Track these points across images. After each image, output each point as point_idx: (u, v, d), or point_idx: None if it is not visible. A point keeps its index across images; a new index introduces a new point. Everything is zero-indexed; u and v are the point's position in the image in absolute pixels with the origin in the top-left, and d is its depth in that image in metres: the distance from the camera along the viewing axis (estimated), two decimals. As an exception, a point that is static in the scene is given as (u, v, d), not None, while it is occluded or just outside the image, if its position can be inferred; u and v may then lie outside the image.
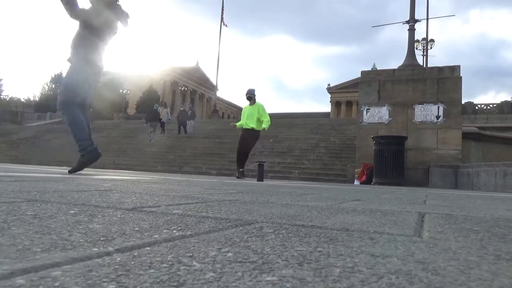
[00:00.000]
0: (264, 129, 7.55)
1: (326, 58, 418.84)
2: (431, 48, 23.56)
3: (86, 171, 4.30)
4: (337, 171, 10.76)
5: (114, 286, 0.44)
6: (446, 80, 8.67)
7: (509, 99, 28.99)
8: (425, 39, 22.74)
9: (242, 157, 7.73)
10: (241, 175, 7.52)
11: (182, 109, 20.56)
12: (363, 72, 9.79)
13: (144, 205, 1.37)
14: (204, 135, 17.22)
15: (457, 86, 8.59)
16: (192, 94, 59.66)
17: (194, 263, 0.57)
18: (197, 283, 0.47)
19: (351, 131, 14.33)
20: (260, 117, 7.53)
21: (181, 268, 0.54)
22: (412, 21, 10.10)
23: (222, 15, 33.39)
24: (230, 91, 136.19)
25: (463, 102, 11.57)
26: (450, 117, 8.50)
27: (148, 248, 0.66)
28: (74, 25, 4.05)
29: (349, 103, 56.98)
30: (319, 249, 0.73)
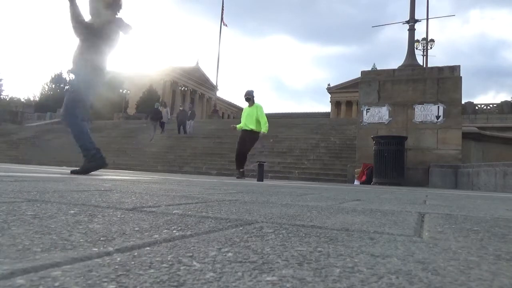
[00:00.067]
0: (263, 133, 7.59)
1: (326, 58, 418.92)
2: (431, 48, 23.57)
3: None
4: (337, 171, 10.76)
5: (114, 286, 0.44)
6: (446, 80, 8.67)
7: (509, 99, 29.00)
8: (425, 39, 22.75)
9: (241, 158, 7.74)
10: (241, 176, 7.52)
11: (181, 108, 20.54)
12: (363, 72, 9.79)
13: (144, 205, 1.37)
14: (204, 135, 17.22)
15: (457, 86, 8.59)
16: (192, 94, 59.66)
17: (194, 263, 0.57)
18: (197, 283, 0.47)
19: (351, 131, 14.32)
20: (258, 118, 7.56)
21: (181, 268, 0.54)
22: (412, 21, 10.10)
23: (222, 15, 33.40)
24: (230, 91, 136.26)
25: (463, 102, 11.57)
26: (450, 117, 8.50)
27: (148, 248, 0.66)
28: (71, 26, 4.05)
29: (349, 103, 56.98)
30: (319, 249, 0.73)
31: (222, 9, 33.50)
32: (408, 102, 8.84)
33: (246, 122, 7.66)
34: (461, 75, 8.67)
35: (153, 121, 17.78)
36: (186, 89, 58.21)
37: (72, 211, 1.08)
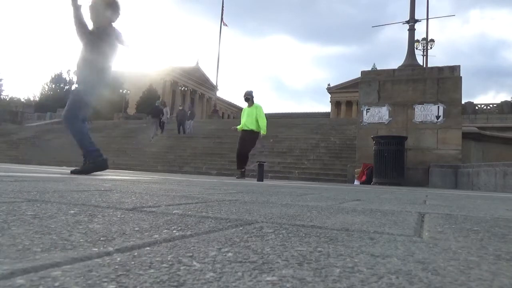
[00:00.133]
0: (262, 134, 7.60)
1: (326, 58, 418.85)
2: (431, 48, 23.57)
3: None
4: (337, 171, 10.76)
5: (114, 286, 0.44)
6: (446, 80, 8.67)
7: (509, 99, 29.00)
8: (425, 39, 22.74)
9: (241, 158, 7.74)
10: (241, 176, 7.53)
11: (181, 108, 20.54)
12: (363, 72, 9.79)
13: (144, 205, 1.37)
14: (204, 135, 17.22)
15: (457, 86, 8.59)
16: (192, 94, 59.66)
17: (194, 263, 0.57)
18: (197, 283, 0.47)
19: (351, 131, 14.32)
20: (258, 118, 7.58)
21: (181, 268, 0.54)
22: (412, 21, 10.10)
23: (222, 15, 33.40)
24: (230, 91, 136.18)
25: (463, 102, 11.57)
26: (450, 117, 8.50)
27: (148, 248, 0.66)
28: (74, 29, 4.06)
29: (349, 103, 56.97)
30: (319, 249, 0.73)
31: (222, 9, 33.52)
32: (408, 102, 8.84)
33: (245, 123, 7.68)
34: (461, 75, 8.67)
35: (154, 119, 17.88)
36: (186, 89, 58.20)
37: (72, 211, 1.08)
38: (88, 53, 4.05)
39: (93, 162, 3.98)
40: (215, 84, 35.39)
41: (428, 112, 8.65)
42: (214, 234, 0.84)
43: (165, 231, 0.85)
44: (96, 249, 0.62)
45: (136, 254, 0.61)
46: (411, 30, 10.11)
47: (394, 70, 9.45)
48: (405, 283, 0.51)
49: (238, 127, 7.88)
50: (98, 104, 4.17)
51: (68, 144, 17.48)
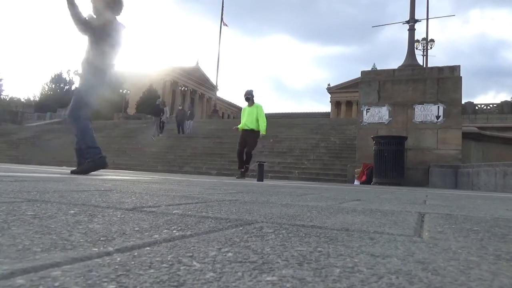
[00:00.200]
0: (261, 134, 7.62)
1: (326, 58, 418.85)
2: (431, 48, 23.56)
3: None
4: (337, 171, 10.76)
5: (114, 286, 0.44)
6: (446, 80, 8.66)
7: (509, 99, 29.00)
8: (425, 39, 22.74)
9: (242, 157, 7.75)
10: (241, 176, 7.53)
11: (180, 108, 20.55)
12: (363, 72, 9.79)
13: (144, 205, 1.37)
14: (204, 135, 17.22)
15: (457, 86, 8.59)
16: (192, 94, 59.66)
17: (194, 263, 0.57)
18: (197, 283, 0.47)
19: (351, 131, 14.32)
20: (258, 117, 7.60)
21: (181, 268, 0.54)
22: (412, 21, 10.10)
23: (222, 15, 33.39)
24: (230, 91, 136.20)
25: (463, 102, 11.56)
26: (450, 117, 8.50)
27: (148, 248, 0.66)
28: (74, 27, 4.06)
29: (349, 103, 56.97)
30: (319, 249, 0.73)
31: (222, 9, 33.51)
32: (408, 102, 8.84)
33: (246, 122, 7.68)
34: (461, 75, 8.67)
35: (156, 117, 17.97)
36: (186, 89, 58.20)
37: (72, 211, 1.08)
38: (89, 52, 4.07)
39: (92, 161, 3.99)
40: (215, 84, 35.38)
41: (428, 112, 8.65)
42: (214, 234, 0.84)
43: (165, 231, 0.85)
44: (96, 249, 0.62)
45: (136, 254, 0.61)
46: (411, 30, 10.11)
47: (394, 70, 9.45)
48: (405, 283, 0.51)
49: (239, 126, 7.89)
50: (98, 104, 4.17)
51: (68, 144, 17.49)
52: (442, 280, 0.54)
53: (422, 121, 8.68)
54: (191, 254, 0.63)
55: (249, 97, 7.77)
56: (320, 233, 0.93)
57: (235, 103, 68.77)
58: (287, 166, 11.83)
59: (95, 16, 4.08)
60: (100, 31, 4.04)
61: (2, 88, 44.63)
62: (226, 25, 33.66)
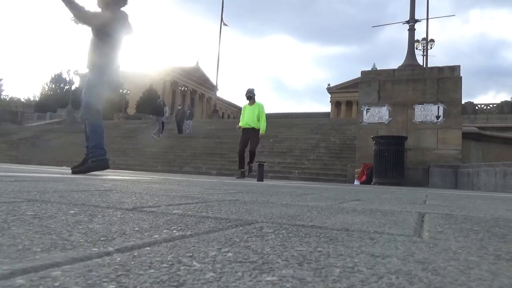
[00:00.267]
0: (261, 134, 7.63)
1: (326, 58, 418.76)
2: (431, 48, 23.57)
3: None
4: (337, 171, 10.76)
5: (114, 286, 0.44)
6: (446, 80, 8.67)
7: (509, 99, 29.01)
8: (425, 39, 22.74)
9: (243, 157, 7.76)
10: (241, 176, 7.53)
11: (180, 108, 20.55)
12: (363, 72, 9.79)
13: (144, 205, 1.37)
14: (204, 135, 17.22)
15: (457, 86, 8.59)
16: (192, 94, 59.67)
17: (194, 263, 0.57)
18: (197, 283, 0.47)
19: (351, 131, 14.32)
20: (259, 117, 7.61)
21: (181, 268, 0.54)
22: (412, 21, 10.10)
23: (222, 15, 33.39)
24: (230, 91, 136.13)
25: (463, 102, 11.56)
26: (450, 117, 8.50)
27: (148, 248, 0.66)
28: (75, 27, 4.07)
29: (349, 103, 56.97)
30: (319, 249, 0.73)
31: (222, 9, 33.51)
32: (408, 102, 8.84)
33: (247, 121, 7.68)
34: (461, 75, 8.67)
35: (157, 116, 18.06)
36: (186, 89, 58.21)
37: (72, 211, 1.08)
38: (91, 53, 4.09)
39: (94, 161, 4.00)
40: (215, 84, 35.37)
41: (428, 112, 8.65)
42: (214, 234, 0.84)
43: (165, 231, 0.85)
44: (96, 249, 0.62)
45: (136, 254, 0.61)
46: (411, 30, 10.11)
47: (394, 70, 9.45)
48: (405, 283, 0.51)
49: (241, 124, 7.86)
50: (99, 104, 4.18)
51: (68, 144, 17.49)
52: (442, 280, 0.54)
53: (422, 121, 8.69)
54: (191, 254, 0.63)
55: (250, 95, 7.78)
56: (320, 233, 0.93)
57: (235, 103, 68.79)
58: (287, 166, 11.83)
59: (95, 17, 4.08)
60: (100, 32, 4.05)
61: (2, 88, 44.67)
62: (226, 25, 33.67)
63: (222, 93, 79.35)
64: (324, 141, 14.09)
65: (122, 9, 4.22)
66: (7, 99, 43.90)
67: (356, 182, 8.70)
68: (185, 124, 18.66)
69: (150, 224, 0.93)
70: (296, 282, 0.50)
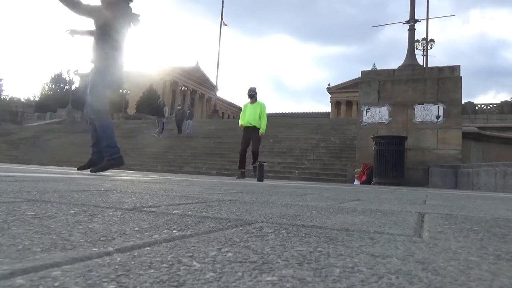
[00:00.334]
0: (261, 133, 7.64)
1: (326, 58, 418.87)
2: (431, 48, 23.57)
3: (86, 171, 4.34)
4: (337, 171, 10.76)
5: (114, 286, 0.44)
6: (446, 80, 8.66)
7: (509, 99, 29.01)
8: (425, 39, 22.75)
9: (244, 157, 7.76)
10: (241, 176, 7.53)
11: (179, 108, 20.57)
12: (363, 72, 9.79)
13: (144, 205, 1.37)
14: (204, 135, 17.22)
15: (457, 86, 8.59)
16: (192, 94, 59.67)
17: (194, 263, 0.57)
18: (197, 283, 0.47)
19: (351, 131, 14.32)
20: (261, 116, 7.63)
21: (181, 268, 0.54)
22: (412, 21, 10.10)
23: (222, 15, 33.39)
24: (230, 91, 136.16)
25: (463, 102, 11.56)
26: (450, 117, 8.50)
27: (148, 248, 0.66)
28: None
29: (349, 103, 56.97)
30: (319, 249, 0.73)
31: (222, 9, 33.50)
32: (408, 102, 8.84)
33: (248, 119, 7.68)
34: (461, 75, 8.67)
35: (158, 117, 18.16)
36: (186, 89, 58.21)
37: (72, 211, 1.08)
38: (93, 53, 4.10)
39: (110, 159, 4.04)
40: (215, 84, 35.37)
41: (428, 112, 8.65)
42: (214, 234, 0.84)
43: (165, 231, 0.85)
44: (96, 249, 0.62)
45: (136, 254, 0.61)
46: (411, 30, 10.10)
47: (394, 70, 9.45)
48: (405, 283, 0.51)
49: (242, 123, 7.84)
50: (104, 104, 4.21)
51: (68, 144, 17.48)
52: (442, 280, 0.54)
53: (422, 121, 8.69)
54: (191, 254, 0.63)
55: (253, 94, 7.79)
56: (320, 233, 0.93)
57: (235, 103, 68.78)
58: (287, 166, 11.83)
59: (96, 18, 4.08)
60: (100, 31, 4.05)
61: (2, 88, 44.66)
62: (226, 24, 33.68)
63: (222, 93, 79.34)
64: (324, 141, 14.09)
65: (125, 6, 4.20)
66: (7, 99, 43.89)
67: (356, 182, 8.70)
68: (185, 124, 18.69)
69: (150, 224, 0.93)
70: (296, 282, 0.50)
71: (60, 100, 38.15)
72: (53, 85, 45.32)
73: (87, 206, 1.23)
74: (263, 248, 0.71)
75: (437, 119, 8.56)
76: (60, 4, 3.88)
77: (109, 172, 4.27)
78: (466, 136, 8.97)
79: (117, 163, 4.16)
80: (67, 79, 45.09)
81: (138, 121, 26.29)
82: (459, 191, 5.54)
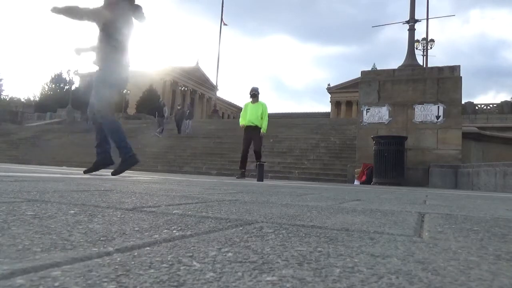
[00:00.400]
0: (262, 133, 7.65)
1: (326, 58, 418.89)
2: (431, 48, 23.56)
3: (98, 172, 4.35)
4: (337, 171, 10.76)
5: (114, 286, 0.44)
6: (446, 80, 8.66)
7: (509, 99, 29.02)
8: (425, 39, 22.74)
9: (246, 157, 7.76)
10: (241, 176, 7.53)
11: (179, 107, 20.59)
12: (363, 72, 9.79)
13: (144, 205, 1.37)
14: (204, 135, 17.22)
15: (457, 86, 8.59)
16: (192, 94, 59.68)
17: (194, 263, 0.57)
18: (197, 283, 0.47)
19: (351, 131, 14.32)
20: (262, 115, 7.63)
21: (181, 268, 0.54)
22: (412, 21, 10.09)
23: (222, 15, 33.38)
24: (230, 91, 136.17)
25: (463, 102, 11.56)
26: (450, 117, 8.50)
27: (148, 248, 0.66)
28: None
29: (349, 103, 56.98)
30: (319, 249, 0.73)
31: (222, 9, 33.49)
32: (408, 102, 8.84)
33: (250, 118, 7.68)
34: (461, 75, 8.67)
35: (159, 117, 18.26)
36: (186, 89, 58.22)
37: (72, 211, 1.08)
38: (97, 53, 4.11)
39: (125, 160, 4.10)
40: (215, 84, 35.36)
41: (428, 112, 8.65)
42: (214, 234, 0.84)
43: (165, 231, 0.85)
44: (96, 249, 0.62)
45: (136, 254, 0.61)
46: (411, 30, 10.10)
47: (394, 70, 9.45)
48: (405, 283, 0.51)
49: (244, 122, 7.82)
50: (110, 108, 4.24)
51: (68, 144, 17.48)
52: (442, 280, 0.54)
53: (422, 121, 8.68)
54: (191, 254, 0.63)
55: (255, 93, 7.80)
56: (320, 233, 0.93)
57: (235, 103, 68.78)
58: (287, 166, 11.83)
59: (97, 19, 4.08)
60: (102, 33, 4.05)
61: (2, 88, 44.65)
62: (226, 24, 33.67)
63: (222, 93, 79.44)
64: (324, 141, 14.09)
65: (125, 5, 4.20)
66: (7, 99, 43.89)
67: (356, 182, 8.70)
68: (185, 124, 18.70)
69: (150, 224, 0.93)
70: (296, 282, 0.50)
71: (60, 100, 38.14)
72: (53, 85, 45.31)
73: (87, 206, 1.23)
74: (263, 248, 0.71)
75: (437, 119, 8.56)
76: (62, 16, 3.91)
77: (109, 173, 4.27)
78: (466, 136, 8.97)
79: (133, 162, 4.21)
80: (67, 79, 45.06)
81: (138, 121, 26.30)
82: (459, 191, 5.54)
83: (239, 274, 0.52)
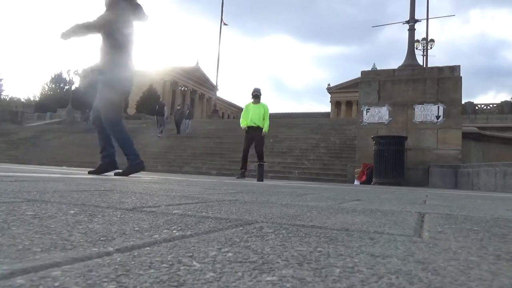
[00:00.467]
0: (264, 132, 7.66)
1: (326, 58, 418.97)
2: (431, 48, 23.59)
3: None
4: (337, 171, 10.76)
5: (114, 286, 0.44)
6: (446, 80, 8.66)
7: (509, 99, 29.01)
8: (425, 39, 22.76)
9: (247, 157, 7.77)
10: (241, 176, 7.53)
11: (179, 107, 20.58)
12: (363, 72, 9.79)
13: (144, 205, 1.37)
14: (204, 135, 17.22)
15: (457, 86, 8.59)
16: (192, 94, 59.68)
17: (194, 263, 0.57)
18: (197, 283, 0.47)
19: (351, 131, 14.32)
20: (264, 116, 7.66)
21: (181, 268, 0.54)
22: (412, 21, 10.10)
23: (222, 15, 33.37)
24: (230, 91, 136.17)
25: (463, 102, 11.56)
26: (450, 117, 8.50)
27: (148, 248, 0.66)
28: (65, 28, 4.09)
29: (349, 103, 56.99)
30: (319, 249, 0.73)
31: (222, 9, 33.49)
32: (408, 102, 8.84)
33: (252, 118, 7.69)
34: (461, 75, 8.67)
35: (160, 117, 18.38)
36: (186, 89, 58.22)
37: (72, 211, 1.08)
38: (101, 56, 4.13)
39: (133, 165, 4.18)
40: (215, 84, 35.35)
41: (428, 112, 8.65)
42: (214, 234, 0.84)
43: (165, 231, 0.85)
44: (96, 249, 0.62)
45: (136, 254, 0.61)
46: (411, 30, 10.11)
47: (394, 70, 9.45)
48: (405, 283, 0.51)
49: (246, 123, 7.81)
50: (117, 114, 4.28)
51: (68, 144, 17.47)
52: (442, 280, 0.54)
53: (422, 121, 8.69)
54: (191, 254, 0.63)
55: (258, 94, 7.82)
56: (320, 233, 0.93)
57: (235, 103, 68.80)
58: (287, 166, 11.83)
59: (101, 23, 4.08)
60: (105, 36, 4.06)
61: (2, 88, 44.65)
62: (226, 24, 33.66)
63: (222, 93, 79.38)
64: (324, 141, 14.09)
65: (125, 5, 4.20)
66: (7, 99, 43.88)
67: (356, 182, 8.70)
68: (184, 124, 18.70)
69: (150, 224, 0.93)
70: (296, 282, 0.50)
71: (60, 100, 38.14)
72: (53, 85, 45.31)
73: (87, 206, 1.23)
74: (263, 248, 0.71)
75: (437, 119, 8.56)
76: (73, 39, 3.95)
77: (109, 173, 4.27)
78: (466, 136, 8.97)
79: (139, 168, 4.31)
80: (67, 79, 45.01)
81: (138, 121, 26.27)
82: (459, 191, 5.54)
83: (239, 274, 0.52)
